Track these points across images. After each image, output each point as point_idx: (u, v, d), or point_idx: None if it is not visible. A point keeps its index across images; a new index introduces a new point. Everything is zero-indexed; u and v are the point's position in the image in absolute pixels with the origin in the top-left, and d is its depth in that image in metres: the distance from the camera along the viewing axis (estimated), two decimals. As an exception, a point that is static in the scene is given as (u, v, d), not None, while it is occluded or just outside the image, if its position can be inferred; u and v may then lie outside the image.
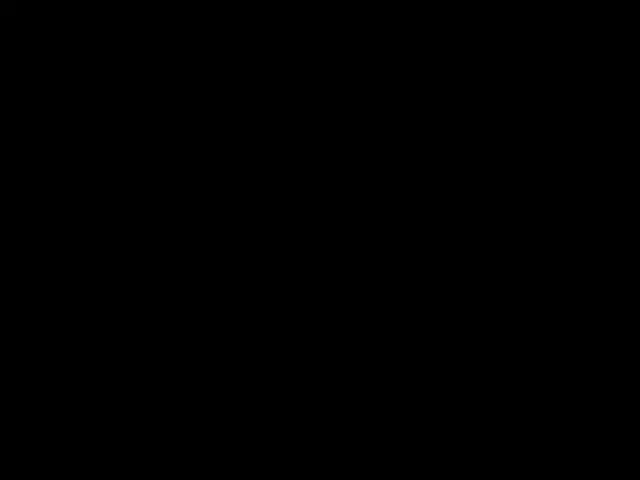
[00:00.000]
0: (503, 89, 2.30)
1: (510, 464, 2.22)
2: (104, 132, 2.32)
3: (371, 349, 2.27)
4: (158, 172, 2.31)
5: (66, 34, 2.32)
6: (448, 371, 2.25)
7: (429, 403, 2.25)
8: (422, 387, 2.25)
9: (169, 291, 2.29)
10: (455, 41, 2.31)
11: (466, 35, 2.31)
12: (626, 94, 2.28)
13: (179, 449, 2.25)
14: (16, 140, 2.32)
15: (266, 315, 2.28)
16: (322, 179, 2.30)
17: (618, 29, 2.29)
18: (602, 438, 2.22)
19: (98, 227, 2.30)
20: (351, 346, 2.27)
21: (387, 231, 2.29)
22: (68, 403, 2.26)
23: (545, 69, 2.30)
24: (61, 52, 2.32)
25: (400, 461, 2.23)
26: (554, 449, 2.22)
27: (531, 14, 2.30)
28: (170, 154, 2.32)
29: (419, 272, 2.28)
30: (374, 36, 2.32)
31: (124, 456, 2.25)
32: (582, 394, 2.23)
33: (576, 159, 2.28)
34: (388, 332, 2.27)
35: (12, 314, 2.28)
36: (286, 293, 2.28)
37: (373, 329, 2.27)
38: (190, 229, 2.30)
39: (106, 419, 2.25)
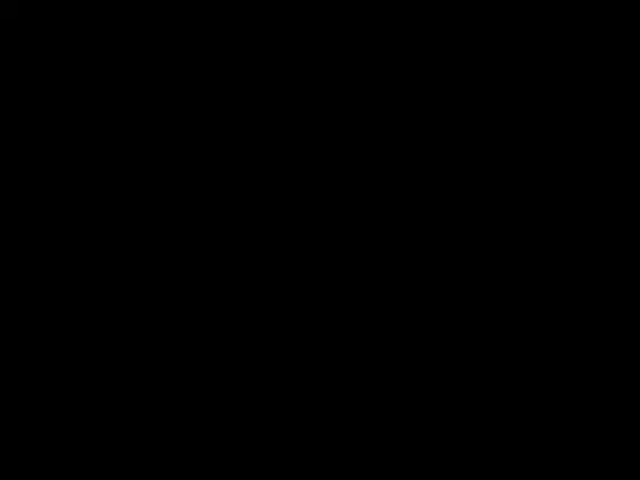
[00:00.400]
0: (503, 89, 2.30)
1: (510, 464, 2.23)
2: (104, 132, 2.32)
3: (371, 349, 2.27)
4: (158, 172, 2.31)
5: (66, 34, 2.32)
6: (448, 371, 2.26)
7: (429, 403, 2.25)
8: (422, 387, 2.26)
9: (169, 291, 2.29)
10: (455, 41, 2.31)
11: (466, 35, 2.31)
12: (626, 94, 2.29)
13: (179, 449, 2.25)
14: (16, 140, 2.32)
15: (266, 315, 2.28)
16: (322, 179, 2.31)
17: (618, 29, 2.29)
18: (602, 438, 2.22)
19: (98, 227, 2.30)
20: (351, 346, 2.27)
21: (387, 231, 2.29)
22: (68, 403, 2.26)
23: (545, 69, 2.30)
24: (61, 52, 2.32)
25: (400, 461, 2.24)
26: (554, 449, 2.22)
27: (531, 14, 2.30)
28: (170, 154, 2.32)
29: (419, 272, 2.28)
30: (374, 36, 2.32)
31: (124, 456, 2.25)
32: (582, 394, 2.24)
33: (576, 159, 2.29)
34: (388, 332, 2.27)
35: (12, 314, 2.28)
36: (286, 293, 2.28)
37: (373, 329, 2.27)
38: (190, 229, 2.30)
39: (106, 419, 2.26)
